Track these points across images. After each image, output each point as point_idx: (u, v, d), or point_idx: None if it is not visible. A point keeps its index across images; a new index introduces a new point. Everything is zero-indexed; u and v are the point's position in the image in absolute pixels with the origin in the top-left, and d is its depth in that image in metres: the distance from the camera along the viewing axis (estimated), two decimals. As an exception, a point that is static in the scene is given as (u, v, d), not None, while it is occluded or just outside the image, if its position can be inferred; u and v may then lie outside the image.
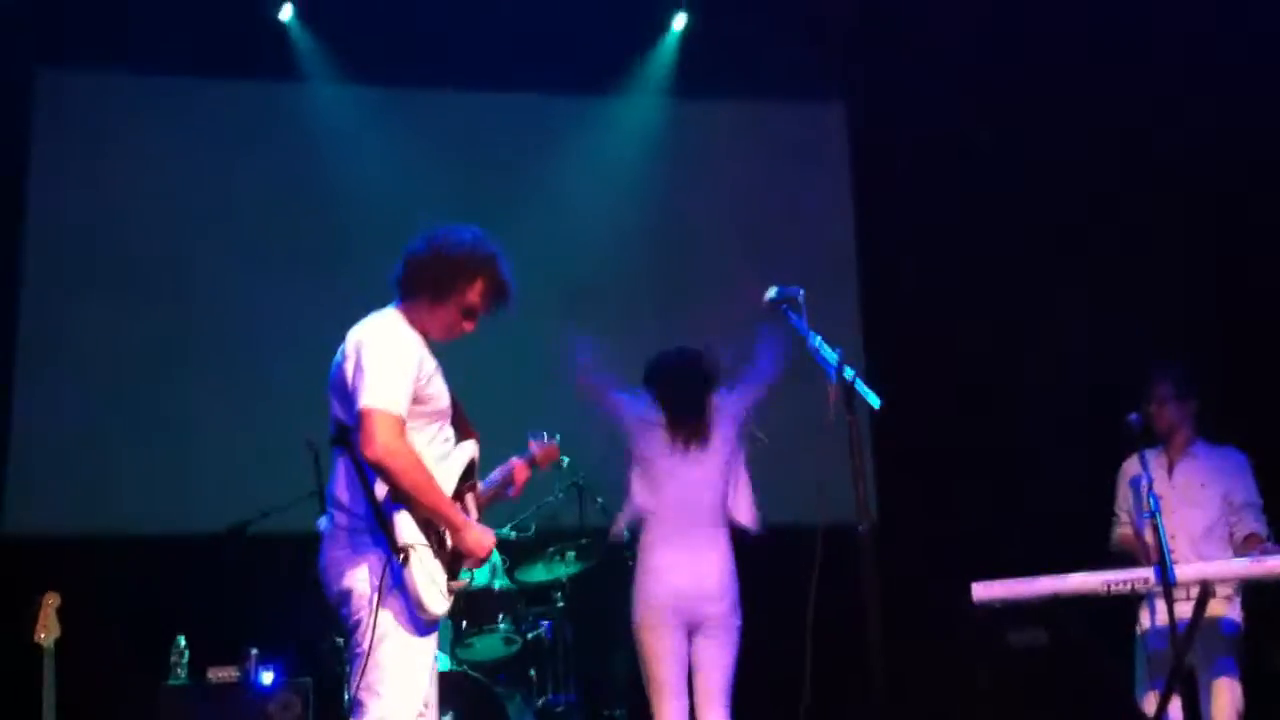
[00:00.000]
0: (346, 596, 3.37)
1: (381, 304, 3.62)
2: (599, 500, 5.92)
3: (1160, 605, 4.56)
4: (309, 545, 5.60)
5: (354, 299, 3.68)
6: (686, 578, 4.54)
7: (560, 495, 6.00)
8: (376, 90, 7.14)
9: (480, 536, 3.50)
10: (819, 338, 3.62)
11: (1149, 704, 4.66)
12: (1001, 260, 6.87)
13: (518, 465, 4.09)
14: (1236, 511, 4.87)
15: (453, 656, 5.67)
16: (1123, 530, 5.05)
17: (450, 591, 3.43)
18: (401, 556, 3.31)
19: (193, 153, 6.84)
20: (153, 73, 6.83)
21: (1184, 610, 4.23)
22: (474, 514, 3.62)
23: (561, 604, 5.87)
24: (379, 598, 3.31)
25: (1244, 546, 4.78)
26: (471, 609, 5.70)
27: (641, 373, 4.79)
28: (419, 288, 3.56)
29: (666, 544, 4.59)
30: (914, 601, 6.01)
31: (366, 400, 3.32)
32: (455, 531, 3.45)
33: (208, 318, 6.60)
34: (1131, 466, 5.00)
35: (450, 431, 3.62)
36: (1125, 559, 4.84)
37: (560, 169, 7.17)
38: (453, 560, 3.46)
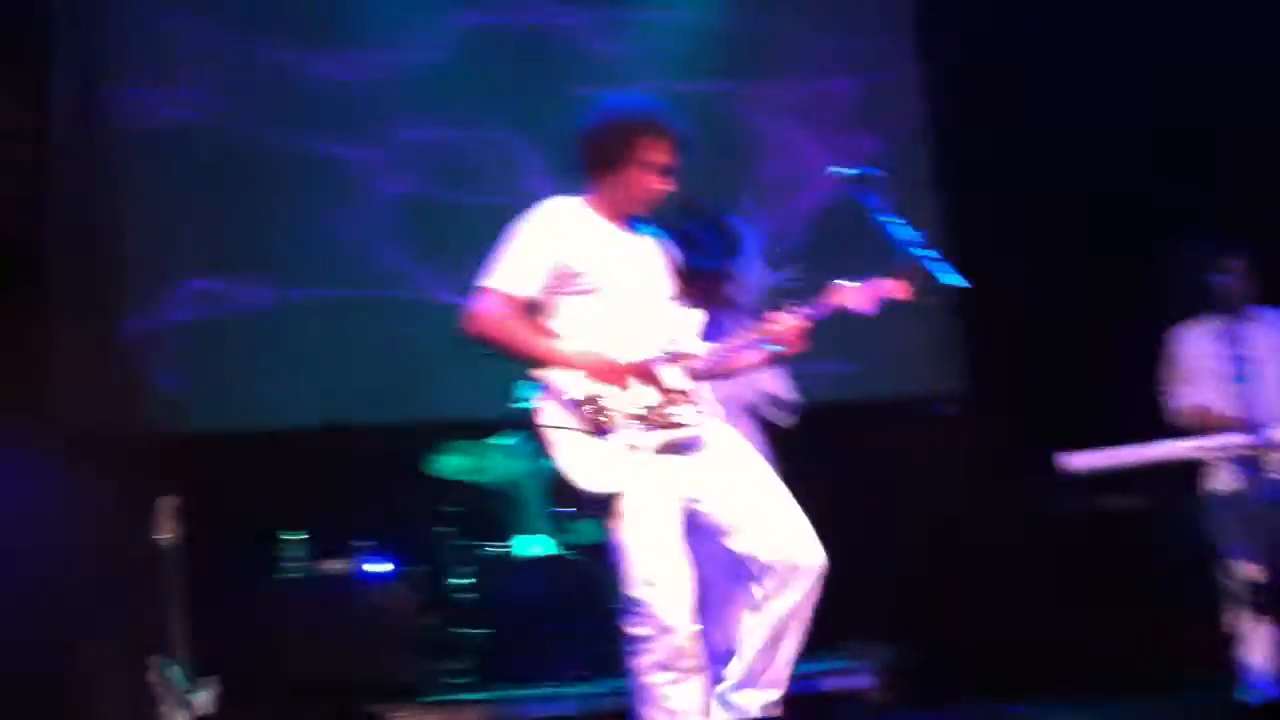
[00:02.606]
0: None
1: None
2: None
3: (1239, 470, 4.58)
4: (416, 437, 5.84)
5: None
6: None
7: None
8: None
9: (596, 356, 3.49)
10: (896, 218, 3.57)
11: (1243, 569, 4.68)
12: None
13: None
14: None
15: (556, 541, 5.82)
16: (1185, 401, 4.94)
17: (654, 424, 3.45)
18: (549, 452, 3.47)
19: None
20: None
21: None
22: (675, 383, 3.53)
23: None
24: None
25: None
26: (568, 494, 5.84)
27: None
28: (592, 165, 3.62)
29: None
30: (1003, 473, 6.08)
31: (483, 276, 3.55)
32: (572, 365, 3.48)
33: (303, 214, 6.55)
34: (1190, 335, 4.98)
35: (628, 303, 3.58)
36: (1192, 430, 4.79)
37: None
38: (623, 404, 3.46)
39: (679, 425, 3.48)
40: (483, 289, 3.57)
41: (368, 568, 5.56)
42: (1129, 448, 4.53)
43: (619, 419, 3.45)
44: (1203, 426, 4.72)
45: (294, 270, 6.28)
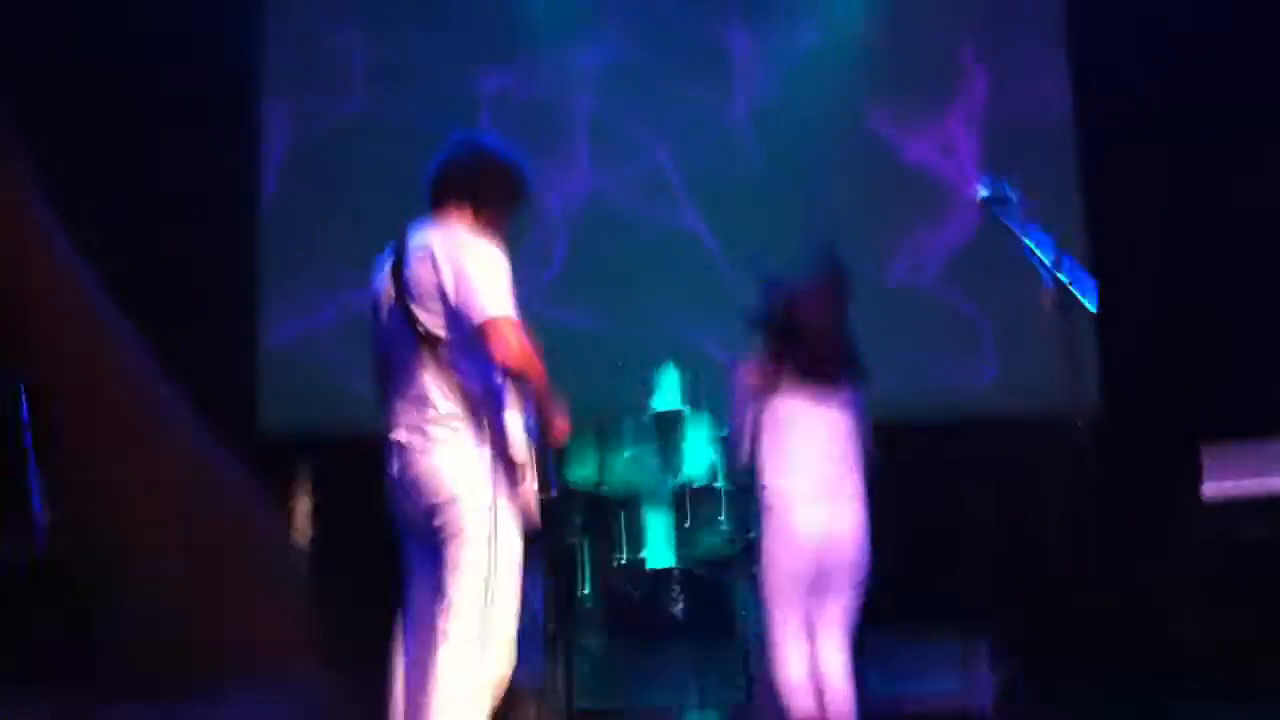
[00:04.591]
0: (450, 504, 3.38)
1: None
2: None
3: None
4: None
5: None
6: None
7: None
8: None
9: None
10: (1034, 235, 3.55)
11: None
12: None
13: None
14: None
15: (678, 553, 5.83)
16: None
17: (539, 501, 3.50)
18: (519, 465, 3.40)
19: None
20: None
21: None
22: None
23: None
24: (498, 506, 3.35)
25: None
26: (694, 507, 5.86)
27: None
28: (483, 198, 3.59)
29: None
30: (1138, 494, 5.93)
31: (494, 310, 3.35)
32: (558, 423, 3.49)
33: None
34: None
35: None
36: None
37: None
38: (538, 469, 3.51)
39: None
40: (509, 319, 3.36)
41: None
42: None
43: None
44: None
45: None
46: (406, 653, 3.49)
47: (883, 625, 5.61)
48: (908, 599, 6.04)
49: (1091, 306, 3.37)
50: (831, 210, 6.65)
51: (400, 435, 3.48)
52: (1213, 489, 4.25)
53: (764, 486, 4.10)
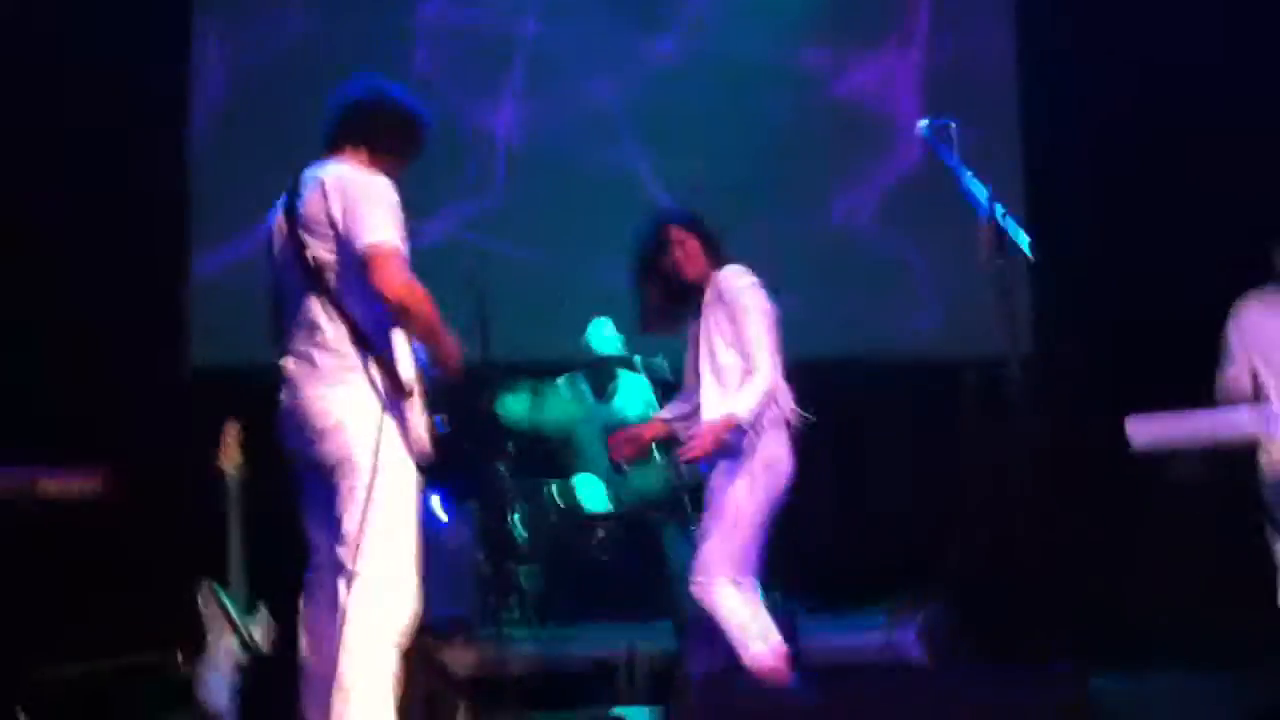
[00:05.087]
0: (335, 431, 3.38)
1: None
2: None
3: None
4: (472, 375, 5.86)
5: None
6: None
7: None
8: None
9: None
10: (970, 173, 3.55)
11: None
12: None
13: None
14: None
15: (610, 485, 5.85)
16: (1224, 378, 4.79)
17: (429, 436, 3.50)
18: (406, 393, 3.40)
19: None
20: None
21: None
22: None
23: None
24: (385, 433, 3.36)
25: None
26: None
27: None
28: (383, 141, 3.60)
29: None
30: (1070, 438, 5.99)
31: (378, 236, 3.35)
32: (452, 357, 3.50)
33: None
34: (1247, 309, 4.79)
35: None
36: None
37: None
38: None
39: None
40: (393, 249, 3.35)
41: (428, 503, 5.58)
42: (1199, 416, 4.43)
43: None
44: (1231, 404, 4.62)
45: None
46: (311, 592, 3.50)
47: (819, 574, 5.74)
48: (842, 549, 6.14)
49: (1027, 251, 3.38)
50: (769, 150, 6.66)
51: (289, 363, 3.49)
52: (1139, 431, 4.30)
53: None
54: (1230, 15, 6.35)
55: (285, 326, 3.53)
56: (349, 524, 3.35)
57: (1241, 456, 4.63)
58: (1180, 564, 5.69)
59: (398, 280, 3.33)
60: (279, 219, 3.55)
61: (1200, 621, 5.34)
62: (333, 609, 3.34)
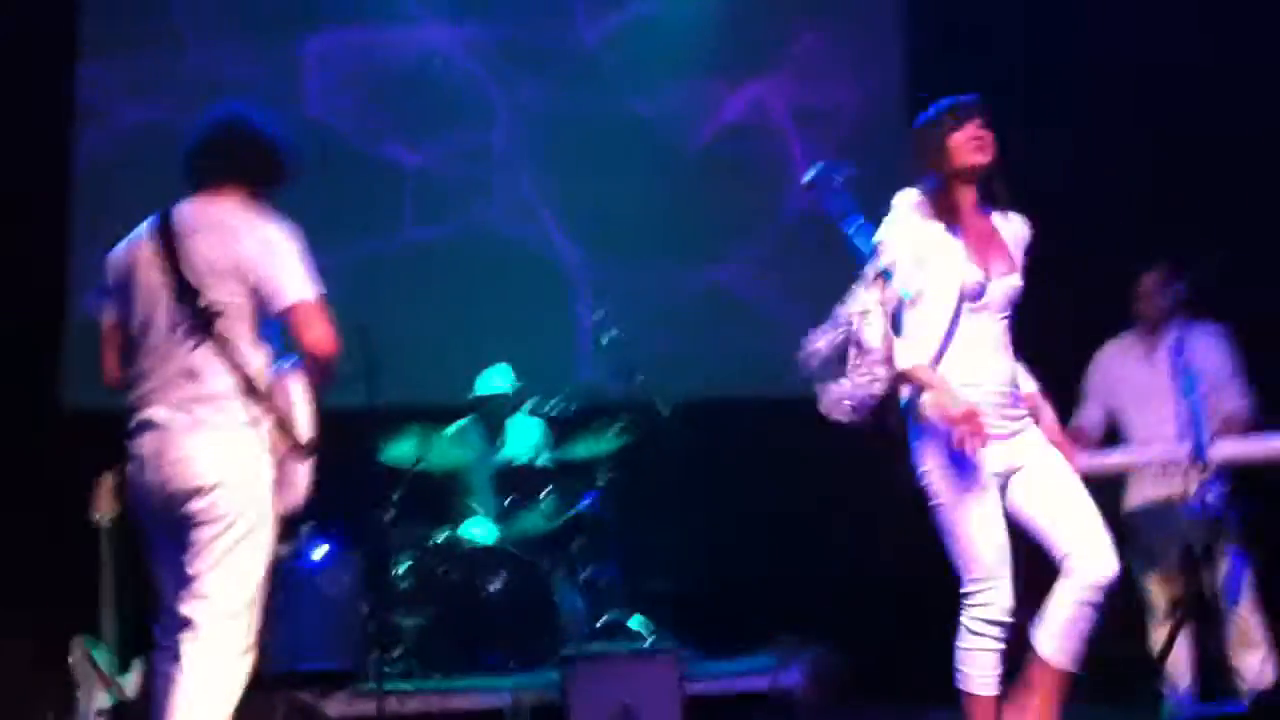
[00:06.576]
0: (213, 490, 3.25)
1: None
2: (640, 377, 5.97)
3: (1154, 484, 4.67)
4: (360, 421, 5.78)
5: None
6: None
7: (603, 371, 6.07)
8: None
9: None
10: (857, 223, 3.54)
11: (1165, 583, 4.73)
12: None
13: None
14: (1219, 389, 4.76)
15: (499, 531, 5.79)
16: (1080, 418, 4.97)
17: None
18: (307, 452, 3.35)
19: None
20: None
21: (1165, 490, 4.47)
22: None
23: (604, 480, 5.96)
24: (264, 490, 3.30)
25: (1225, 424, 4.63)
26: (517, 485, 5.81)
27: None
28: (269, 175, 3.54)
29: None
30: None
31: (305, 292, 3.31)
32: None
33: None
34: (1107, 351, 5.03)
35: None
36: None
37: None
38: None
39: None
40: (316, 302, 3.32)
41: (311, 553, 5.47)
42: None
43: None
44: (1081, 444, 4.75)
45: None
46: (165, 649, 3.35)
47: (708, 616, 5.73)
48: (731, 590, 6.13)
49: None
50: (661, 191, 6.70)
51: (158, 413, 3.33)
52: None
53: None
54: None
55: (148, 369, 3.38)
56: (215, 588, 3.25)
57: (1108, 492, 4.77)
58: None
59: (328, 336, 3.30)
60: (149, 255, 3.40)
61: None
62: (177, 661, 3.22)
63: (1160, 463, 4.52)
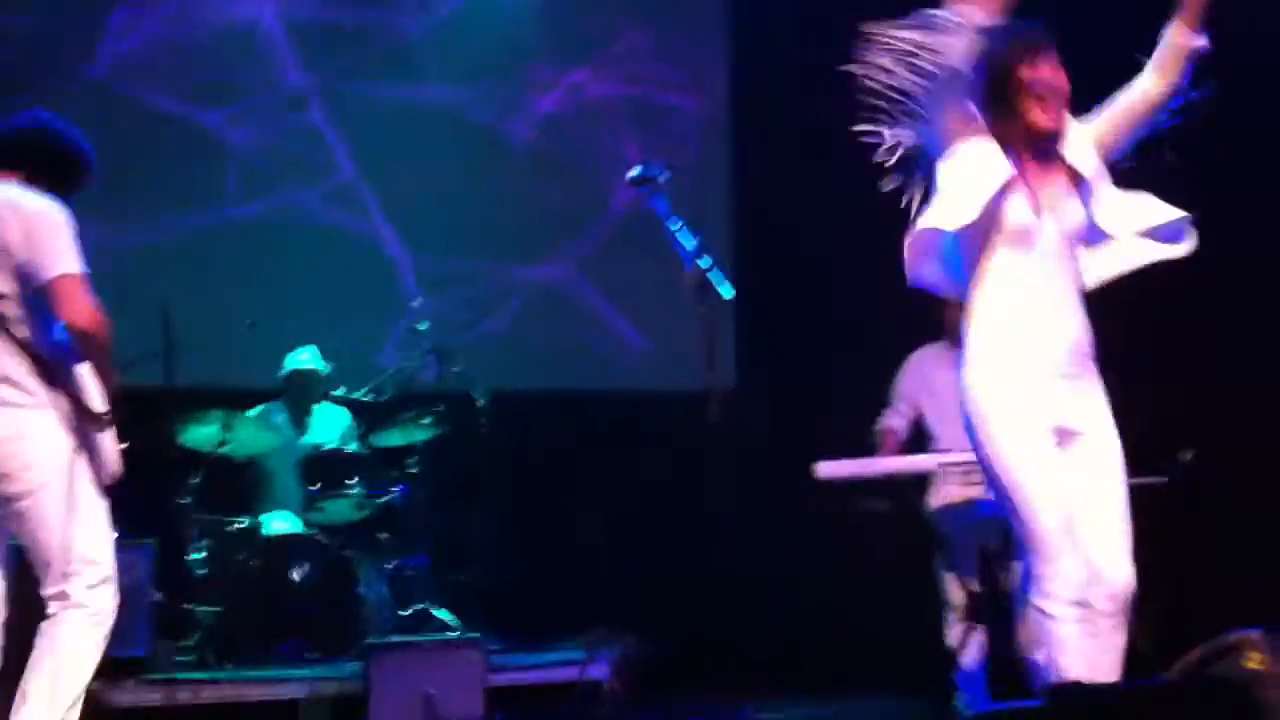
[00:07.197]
0: (23, 471, 3.34)
1: None
2: (456, 367, 5.90)
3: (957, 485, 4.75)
4: (157, 402, 5.56)
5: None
6: None
7: (417, 359, 5.97)
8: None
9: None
10: (680, 222, 3.60)
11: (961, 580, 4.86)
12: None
13: None
14: None
15: (303, 519, 5.64)
16: (884, 422, 5.18)
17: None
18: (104, 422, 3.40)
19: None
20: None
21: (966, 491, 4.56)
22: None
23: (415, 469, 5.86)
24: (71, 466, 3.35)
25: None
26: (323, 472, 5.67)
27: None
28: (32, 166, 3.53)
29: None
30: (762, 472, 6.14)
31: (68, 267, 3.34)
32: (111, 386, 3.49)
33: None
34: (915, 359, 5.20)
35: None
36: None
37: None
38: None
39: None
40: (76, 277, 3.35)
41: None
42: (878, 459, 4.86)
43: None
44: (884, 448, 5.05)
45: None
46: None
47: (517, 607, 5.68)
48: (541, 581, 6.09)
49: (727, 293, 3.48)
50: (487, 187, 6.64)
51: None
52: (827, 469, 4.56)
53: None
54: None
55: None
56: (54, 553, 3.35)
57: (915, 490, 4.89)
58: (863, 594, 5.89)
59: (87, 309, 3.33)
60: None
61: (880, 647, 5.55)
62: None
63: (963, 465, 4.64)
